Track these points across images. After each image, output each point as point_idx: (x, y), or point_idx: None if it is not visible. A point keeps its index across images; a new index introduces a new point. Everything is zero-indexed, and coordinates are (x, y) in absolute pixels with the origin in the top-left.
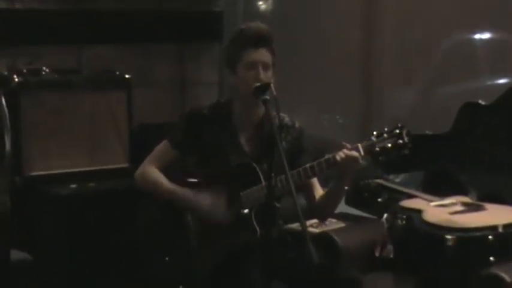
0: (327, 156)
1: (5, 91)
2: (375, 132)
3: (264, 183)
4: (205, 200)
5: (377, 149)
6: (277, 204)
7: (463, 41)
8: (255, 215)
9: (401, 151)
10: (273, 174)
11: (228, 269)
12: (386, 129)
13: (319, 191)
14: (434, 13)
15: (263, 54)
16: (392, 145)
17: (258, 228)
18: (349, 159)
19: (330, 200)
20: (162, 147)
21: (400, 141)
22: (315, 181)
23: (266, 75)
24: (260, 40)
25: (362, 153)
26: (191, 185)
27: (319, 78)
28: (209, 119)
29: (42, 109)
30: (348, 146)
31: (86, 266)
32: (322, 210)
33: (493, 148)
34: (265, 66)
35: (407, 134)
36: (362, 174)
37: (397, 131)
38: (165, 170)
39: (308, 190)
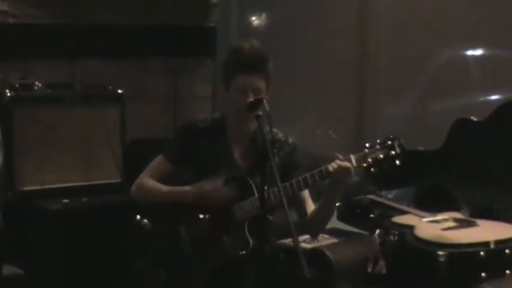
0: (319, 168)
1: None
2: (367, 144)
3: (256, 195)
4: (205, 184)
5: (369, 160)
6: (270, 217)
7: (455, 57)
8: (247, 227)
9: (393, 162)
10: (265, 187)
11: (221, 280)
12: (378, 140)
13: (310, 206)
14: (427, 29)
15: (255, 80)
16: (384, 156)
17: (250, 240)
18: (341, 169)
19: (322, 214)
20: (158, 160)
21: (392, 152)
22: (307, 196)
23: None
24: (252, 66)
25: (354, 164)
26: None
27: (312, 93)
28: (204, 133)
29: (34, 124)
30: (340, 157)
31: (78, 281)
32: (314, 226)
33: (485, 164)
34: (256, 91)
35: (399, 146)
36: (354, 190)
37: (389, 142)
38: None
39: (300, 205)
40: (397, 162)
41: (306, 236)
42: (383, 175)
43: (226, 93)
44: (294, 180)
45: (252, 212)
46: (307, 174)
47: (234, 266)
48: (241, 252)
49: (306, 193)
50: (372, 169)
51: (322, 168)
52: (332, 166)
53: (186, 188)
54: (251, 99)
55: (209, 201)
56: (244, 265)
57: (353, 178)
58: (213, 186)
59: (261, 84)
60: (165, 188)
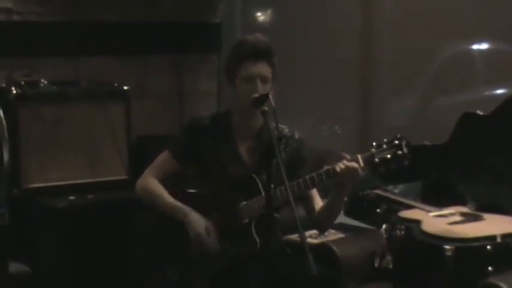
0: (326, 168)
1: (2, 103)
2: (374, 143)
3: (263, 194)
4: (200, 223)
5: (376, 160)
6: (277, 215)
7: (461, 51)
8: (254, 226)
9: (400, 162)
10: (272, 185)
11: (227, 279)
12: (385, 140)
13: (318, 203)
14: (432, 24)
15: (261, 68)
16: (391, 156)
17: (257, 239)
18: (348, 170)
19: (329, 211)
20: (163, 157)
21: (400, 152)
22: (314, 192)
23: (264, 89)
24: (259, 53)
25: (361, 164)
26: (191, 197)
27: (318, 89)
28: (209, 130)
29: (40, 121)
30: (348, 157)
31: (84, 278)
32: (322, 222)
33: (491, 158)
34: (264, 80)
35: (407, 145)
36: (361, 185)
37: (397, 142)
38: (165, 180)
39: (307, 202)
40: (405, 162)
41: (313, 231)
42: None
43: (232, 89)
44: (300, 180)
45: (258, 211)
46: (314, 174)
47: (240, 265)
48: (248, 252)
49: (313, 190)
50: (379, 169)
51: (330, 168)
52: (339, 166)
53: (185, 211)
54: (256, 95)
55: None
56: (250, 264)
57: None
58: (203, 232)
59: (268, 73)
60: (167, 199)
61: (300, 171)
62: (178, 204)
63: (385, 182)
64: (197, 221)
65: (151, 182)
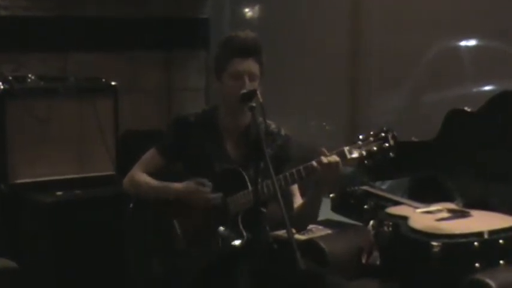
0: (305, 164)
1: None
2: (360, 136)
3: (250, 188)
4: (189, 186)
5: (363, 152)
6: (264, 209)
7: (449, 48)
8: (241, 220)
9: (386, 154)
10: (259, 180)
11: (215, 273)
12: (372, 132)
13: (298, 201)
14: (420, 21)
15: (250, 65)
16: (378, 148)
17: (244, 233)
18: (326, 165)
19: (306, 209)
20: (150, 154)
21: (386, 144)
22: (295, 190)
23: (252, 86)
24: (247, 50)
25: (348, 156)
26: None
27: (306, 85)
28: (196, 126)
29: (27, 116)
30: (326, 152)
31: (72, 274)
32: (300, 219)
33: (478, 154)
34: (252, 77)
35: (393, 137)
36: (348, 181)
37: (383, 134)
38: (152, 177)
39: (288, 199)
40: (391, 154)
41: None
42: (377, 166)
43: (219, 84)
44: (287, 173)
45: (246, 205)
46: (294, 170)
47: (227, 258)
48: (235, 245)
49: (294, 187)
50: (366, 161)
51: (308, 164)
52: (317, 162)
53: (176, 184)
54: (244, 91)
55: (193, 201)
56: (238, 258)
57: (346, 169)
58: (199, 187)
59: (256, 70)
60: (155, 182)
61: (284, 168)
62: (166, 183)
63: (372, 178)
64: (185, 187)
65: (138, 175)
